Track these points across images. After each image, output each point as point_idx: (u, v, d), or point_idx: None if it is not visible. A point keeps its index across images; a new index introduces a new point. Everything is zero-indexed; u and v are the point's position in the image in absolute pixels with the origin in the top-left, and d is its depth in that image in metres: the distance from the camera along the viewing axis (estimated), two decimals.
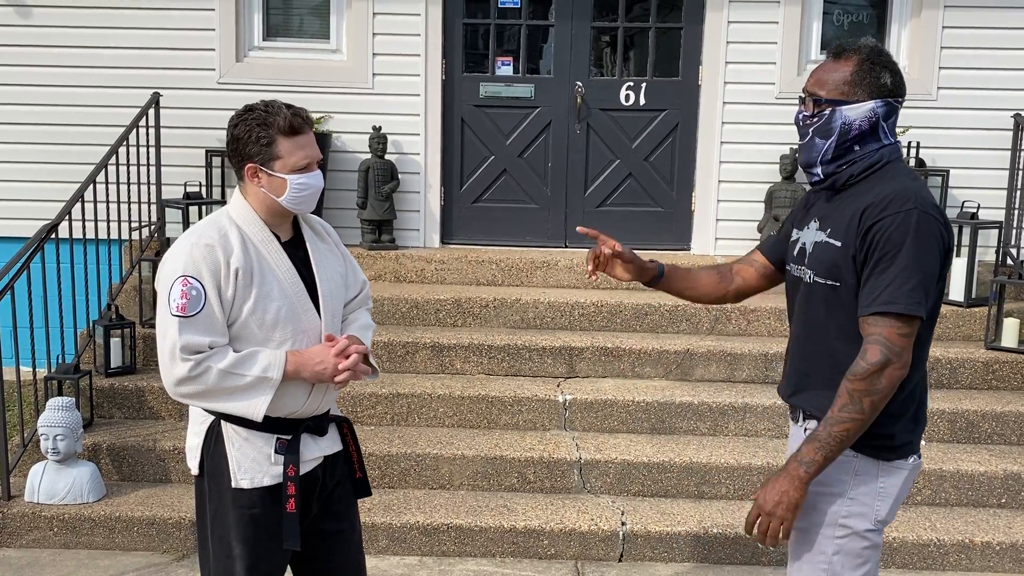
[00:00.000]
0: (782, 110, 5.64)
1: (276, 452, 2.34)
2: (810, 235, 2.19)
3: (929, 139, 5.59)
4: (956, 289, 5.15)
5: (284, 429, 2.37)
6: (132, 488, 4.10)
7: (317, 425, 2.42)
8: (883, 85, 2.10)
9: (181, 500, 3.99)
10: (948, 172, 5.53)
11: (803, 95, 2.18)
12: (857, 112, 2.09)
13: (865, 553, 2.15)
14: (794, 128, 5.54)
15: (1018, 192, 5.40)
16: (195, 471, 2.42)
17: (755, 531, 2.11)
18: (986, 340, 4.91)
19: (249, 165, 2.30)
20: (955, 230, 5.39)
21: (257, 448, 2.34)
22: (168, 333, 2.23)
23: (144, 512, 3.87)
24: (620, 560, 3.85)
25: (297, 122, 2.28)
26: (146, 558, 3.80)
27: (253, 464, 2.34)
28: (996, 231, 5.40)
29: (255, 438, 2.35)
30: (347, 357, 2.33)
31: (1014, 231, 5.41)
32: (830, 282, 2.12)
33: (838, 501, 2.15)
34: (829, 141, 2.12)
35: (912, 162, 5.50)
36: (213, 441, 2.36)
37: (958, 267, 5.14)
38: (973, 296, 5.10)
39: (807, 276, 2.19)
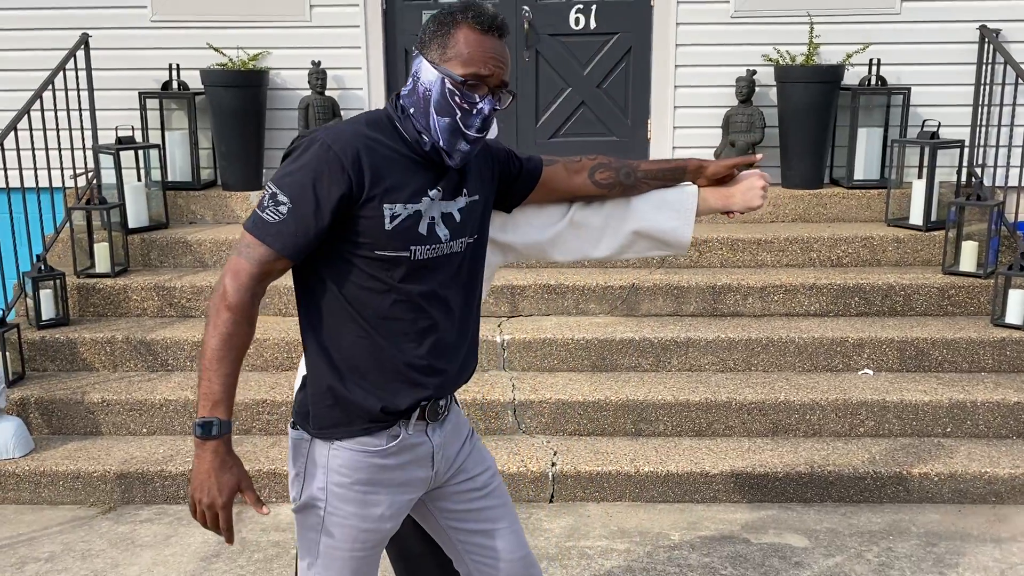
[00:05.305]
0: (738, 30, 5.40)
1: None
2: None
3: (890, 55, 5.33)
4: (916, 212, 4.97)
5: None
6: (62, 442, 4.06)
7: None
8: None
9: (109, 453, 3.94)
10: (910, 90, 5.29)
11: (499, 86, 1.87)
12: None
13: None
14: (751, 48, 5.32)
15: (983, 108, 5.17)
16: None
17: None
18: (943, 265, 4.75)
19: None
20: (917, 151, 5.18)
21: None
22: None
23: (70, 466, 3.83)
24: (551, 501, 3.79)
25: None
26: (72, 512, 3.77)
27: None
28: (957, 151, 5.18)
29: None
30: None
31: (979, 150, 5.20)
32: None
33: None
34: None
35: (872, 80, 5.27)
36: None
37: (917, 189, 4.96)
38: (933, 219, 4.93)
39: None
